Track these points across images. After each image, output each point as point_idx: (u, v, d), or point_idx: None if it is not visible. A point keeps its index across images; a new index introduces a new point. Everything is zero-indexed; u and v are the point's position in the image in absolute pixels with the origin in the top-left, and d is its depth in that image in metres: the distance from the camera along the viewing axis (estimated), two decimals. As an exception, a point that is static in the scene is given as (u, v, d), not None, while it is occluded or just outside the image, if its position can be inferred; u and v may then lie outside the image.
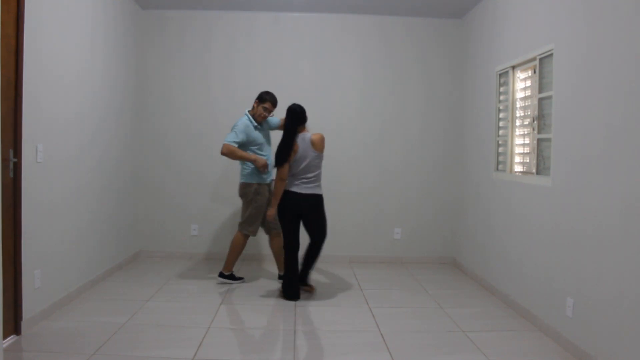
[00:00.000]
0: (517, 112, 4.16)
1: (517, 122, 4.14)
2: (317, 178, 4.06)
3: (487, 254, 4.57)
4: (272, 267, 5.06)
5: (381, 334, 3.35)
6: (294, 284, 4.05)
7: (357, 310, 3.88)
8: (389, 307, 3.99)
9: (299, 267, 4.15)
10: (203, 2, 5.21)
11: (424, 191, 5.55)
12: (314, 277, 4.76)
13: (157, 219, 5.48)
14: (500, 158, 4.41)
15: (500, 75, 4.41)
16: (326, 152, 5.56)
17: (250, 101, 5.33)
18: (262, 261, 5.38)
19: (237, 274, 4.60)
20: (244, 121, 4.32)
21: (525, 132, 4.00)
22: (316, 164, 4.04)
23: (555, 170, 3.37)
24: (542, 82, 3.71)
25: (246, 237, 4.40)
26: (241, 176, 4.40)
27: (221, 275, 4.43)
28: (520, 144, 4.09)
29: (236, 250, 4.39)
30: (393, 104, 5.52)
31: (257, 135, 4.36)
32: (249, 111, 4.41)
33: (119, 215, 4.89)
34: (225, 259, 4.45)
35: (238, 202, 5.46)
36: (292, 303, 3.97)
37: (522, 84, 4.12)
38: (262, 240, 5.39)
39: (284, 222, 4.08)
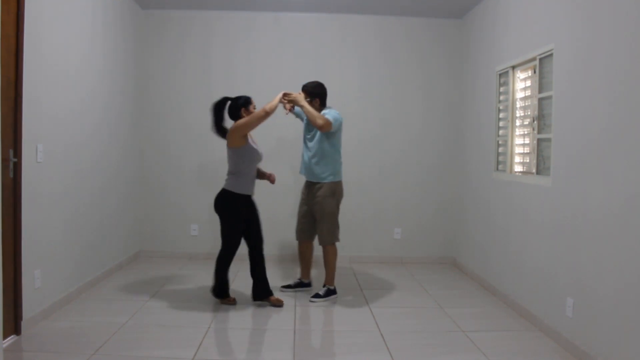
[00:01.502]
0: (517, 112, 4.16)
1: (517, 122, 4.14)
2: (229, 172, 3.88)
3: (487, 254, 4.57)
4: (269, 268, 5.08)
5: (381, 334, 3.35)
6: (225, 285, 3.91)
7: (357, 310, 3.89)
8: (389, 307, 3.99)
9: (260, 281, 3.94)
10: (203, 2, 5.21)
11: (424, 191, 5.55)
12: (314, 276, 4.76)
13: (157, 219, 5.48)
14: (500, 158, 4.41)
15: (500, 75, 4.41)
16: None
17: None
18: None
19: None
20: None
21: (525, 132, 4.00)
22: (228, 158, 3.87)
23: (555, 170, 3.37)
24: (542, 82, 3.71)
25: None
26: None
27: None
28: (520, 144, 4.09)
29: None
30: (393, 104, 5.52)
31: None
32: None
33: (119, 215, 4.88)
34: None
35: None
36: (292, 303, 3.97)
37: (522, 84, 4.12)
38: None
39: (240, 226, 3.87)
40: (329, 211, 4.04)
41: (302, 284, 4.37)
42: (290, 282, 4.47)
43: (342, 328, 3.52)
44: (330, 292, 4.14)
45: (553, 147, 3.40)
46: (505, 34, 4.31)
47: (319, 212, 4.05)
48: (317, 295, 4.10)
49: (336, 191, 4.07)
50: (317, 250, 4.28)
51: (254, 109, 3.91)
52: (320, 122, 3.85)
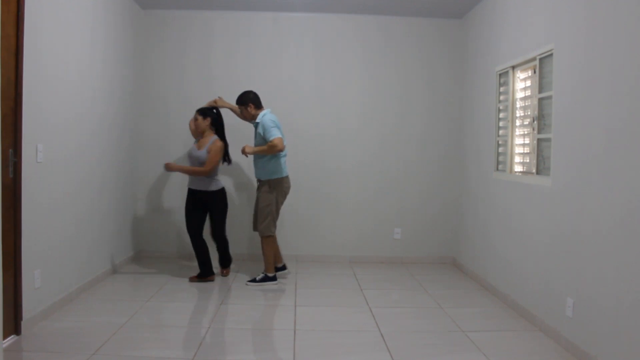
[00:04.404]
0: (517, 112, 4.16)
1: (517, 122, 4.14)
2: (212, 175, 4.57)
3: (487, 254, 4.57)
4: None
5: (381, 334, 3.35)
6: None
7: (357, 310, 3.89)
8: (389, 307, 3.99)
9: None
10: (203, 2, 5.21)
11: (424, 191, 5.55)
12: (315, 274, 4.77)
13: (157, 219, 5.48)
14: (500, 158, 4.41)
15: (500, 75, 4.41)
16: (325, 151, 5.62)
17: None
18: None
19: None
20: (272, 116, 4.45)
21: (525, 132, 4.00)
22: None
23: (555, 170, 3.37)
24: (542, 82, 3.71)
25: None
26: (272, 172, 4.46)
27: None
28: (520, 144, 4.09)
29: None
30: (394, 103, 5.52)
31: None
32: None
33: (119, 215, 4.89)
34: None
35: (236, 201, 5.49)
36: (292, 303, 3.98)
37: (522, 84, 4.12)
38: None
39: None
40: (263, 205, 4.42)
41: (276, 268, 4.69)
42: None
43: (342, 328, 3.52)
44: (267, 279, 4.49)
45: (553, 147, 3.40)
46: (505, 34, 4.31)
47: (259, 206, 4.46)
48: (253, 280, 4.49)
49: (275, 188, 4.43)
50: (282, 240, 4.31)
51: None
52: (273, 150, 4.27)
